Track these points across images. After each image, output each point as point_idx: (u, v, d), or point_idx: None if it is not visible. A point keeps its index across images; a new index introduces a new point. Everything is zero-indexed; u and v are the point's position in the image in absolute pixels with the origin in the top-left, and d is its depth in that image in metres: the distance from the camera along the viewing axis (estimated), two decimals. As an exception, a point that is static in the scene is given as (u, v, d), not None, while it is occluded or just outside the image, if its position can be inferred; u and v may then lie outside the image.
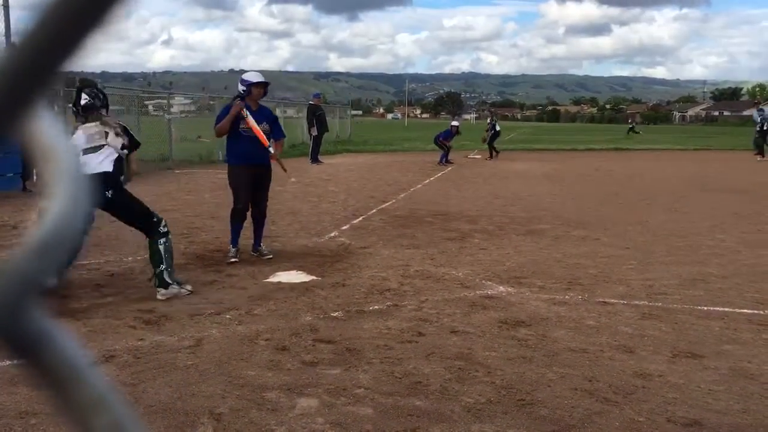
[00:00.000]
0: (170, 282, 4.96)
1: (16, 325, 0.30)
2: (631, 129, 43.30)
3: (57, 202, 0.30)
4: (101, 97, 5.34)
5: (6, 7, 10.03)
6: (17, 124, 0.30)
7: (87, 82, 6.11)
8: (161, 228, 5.06)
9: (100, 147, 5.01)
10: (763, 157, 21.83)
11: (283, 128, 7.14)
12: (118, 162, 5.09)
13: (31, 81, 0.29)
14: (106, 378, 0.33)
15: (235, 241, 6.32)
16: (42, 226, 0.30)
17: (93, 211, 5.09)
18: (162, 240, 5.02)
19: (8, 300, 0.29)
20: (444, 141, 19.21)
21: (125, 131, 5.26)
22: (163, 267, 4.95)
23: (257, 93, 6.38)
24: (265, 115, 6.50)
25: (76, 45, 0.29)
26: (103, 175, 4.83)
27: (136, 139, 5.50)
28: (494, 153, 21.41)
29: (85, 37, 0.29)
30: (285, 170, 6.64)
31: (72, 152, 0.32)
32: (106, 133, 5.12)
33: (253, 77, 6.45)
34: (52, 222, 0.30)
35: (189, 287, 5.11)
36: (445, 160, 18.83)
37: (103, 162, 4.94)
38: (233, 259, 6.21)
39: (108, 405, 0.32)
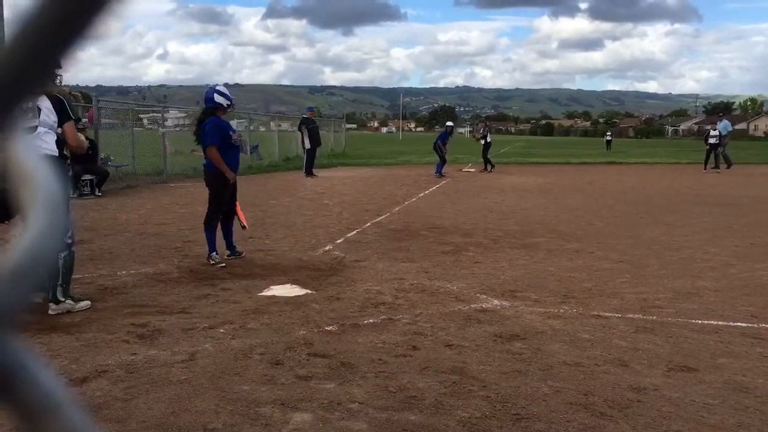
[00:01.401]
0: (62, 299, 4.76)
1: None
2: (609, 143, 44.82)
3: (32, 227, 0.29)
4: None
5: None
6: None
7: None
8: (66, 238, 4.70)
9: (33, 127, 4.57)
10: (706, 169, 22.26)
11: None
12: (58, 143, 4.73)
13: (8, 100, 0.29)
14: (83, 412, 0.32)
15: (215, 246, 6.59)
16: (16, 251, 0.29)
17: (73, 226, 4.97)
18: (63, 254, 4.73)
19: None
20: (443, 144, 19.55)
21: (59, 104, 4.70)
22: (57, 282, 4.70)
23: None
24: (232, 126, 7.00)
25: (56, 60, 0.29)
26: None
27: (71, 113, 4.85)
28: (490, 167, 21.42)
29: (66, 52, 0.29)
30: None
31: (50, 176, 0.31)
32: (39, 109, 4.61)
33: (230, 93, 6.77)
34: (27, 248, 0.29)
35: (85, 303, 4.92)
36: (440, 171, 18.96)
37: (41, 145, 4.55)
38: (222, 264, 6.47)
39: None
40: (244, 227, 7.01)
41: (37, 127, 4.56)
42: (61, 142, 4.79)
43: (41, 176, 0.31)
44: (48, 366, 0.31)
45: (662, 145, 64.64)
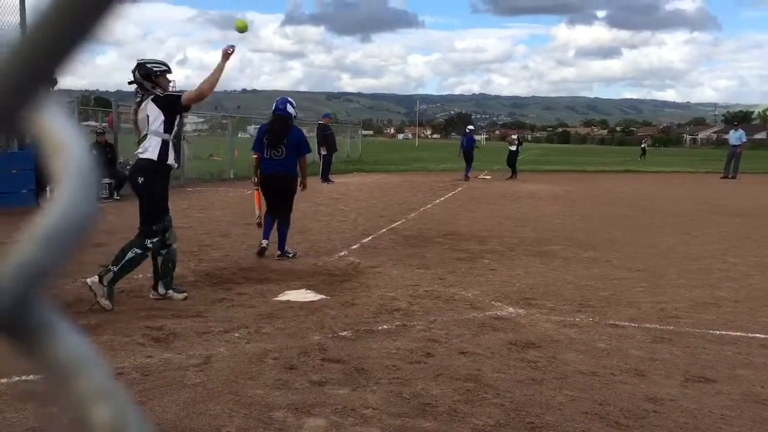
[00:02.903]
0: (164, 291, 5.31)
1: (20, 315, 0.30)
2: (643, 152, 43.03)
3: (65, 192, 0.30)
4: (146, 66, 5.08)
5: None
6: (22, 118, 0.30)
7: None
8: (146, 241, 5.13)
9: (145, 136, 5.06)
10: None
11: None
12: (163, 148, 5.07)
13: (35, 75, 0.29)
14: (108, 372, 0.33)
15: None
16: (49, 214, 0.30)
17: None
18: (163, 251, 5.26)
19: (13, 289, 0.29)
20: (470, 150, 20.92)
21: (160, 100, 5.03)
22: (114, 269, 5.00)
23: None
24: None
25: (85, 35, 0.29)
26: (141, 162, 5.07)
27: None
28: (512, 175, 21.80)
29: (93, 29, 0.29)
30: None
31: (83, 146, 0.32)
32: (148, 117, 5.03)
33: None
34: (59, 211, 0.30)
35: (182, 295, 5.39)
36: (468, 174, 20.44)
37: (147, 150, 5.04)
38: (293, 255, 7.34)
39: (110, 396, 0.32)
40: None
41: (146, 135, 5.05)
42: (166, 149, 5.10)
43: (71, 144, 0.31)
44: (76, 327, 0.32)
45: (681, 154, 64.04)
